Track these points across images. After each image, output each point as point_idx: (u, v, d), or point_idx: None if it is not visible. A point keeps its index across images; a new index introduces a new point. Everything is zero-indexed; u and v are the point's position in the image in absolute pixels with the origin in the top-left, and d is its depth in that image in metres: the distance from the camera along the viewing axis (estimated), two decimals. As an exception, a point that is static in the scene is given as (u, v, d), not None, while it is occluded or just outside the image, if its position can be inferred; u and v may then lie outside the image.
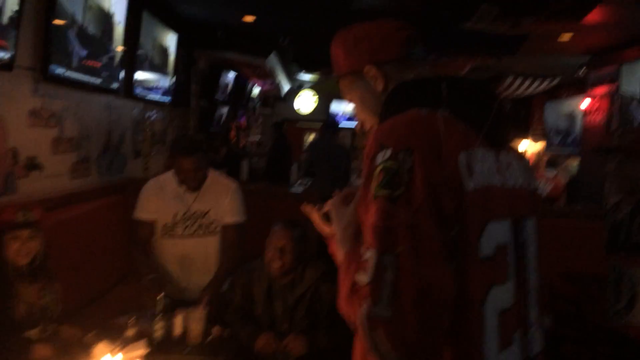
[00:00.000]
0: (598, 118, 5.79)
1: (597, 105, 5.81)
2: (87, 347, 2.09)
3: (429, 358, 0.90)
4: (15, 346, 2.03)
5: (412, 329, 0.87)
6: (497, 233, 1.02)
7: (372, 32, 1.21)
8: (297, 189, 6.06)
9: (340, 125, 6.92)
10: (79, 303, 2.95)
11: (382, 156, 0.97)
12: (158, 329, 2.26)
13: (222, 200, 2.82)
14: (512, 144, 1.17)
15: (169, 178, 2.82)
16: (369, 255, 0.93)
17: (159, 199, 2.76)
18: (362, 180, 1.01)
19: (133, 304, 2.98)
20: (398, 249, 0.90)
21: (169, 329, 2.30)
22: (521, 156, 1.19)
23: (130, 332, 2.22)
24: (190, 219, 2.76)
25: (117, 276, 3.69)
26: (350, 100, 1.28)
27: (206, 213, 2.79)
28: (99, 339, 2.18)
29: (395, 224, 0.92)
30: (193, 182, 2.73)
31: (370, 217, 0.95)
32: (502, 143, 1.12)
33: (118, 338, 2.20)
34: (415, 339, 0.88)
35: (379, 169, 0.96)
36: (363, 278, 0.93)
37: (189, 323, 2.31)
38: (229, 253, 2.81)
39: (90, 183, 3.67)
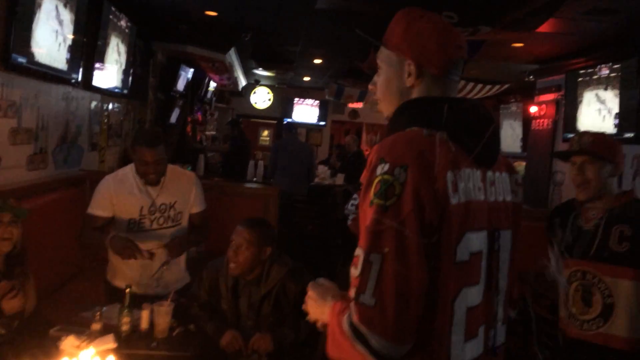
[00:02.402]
0: (545, 123, 6.07)
1: (544, 111, 6.10)
2: (54, 341, 2.08)
3: (405, 340, 1.07)
4: None
5: (391, 315, 1.05)
6: (472, 242, 1.18)
7: (433, 34, 1.25)
8: (253, 184, 6.10)
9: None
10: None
11: (381, 169, 1.12)
12: (124, 323, 2.26)
13: (187, 191, 2.85)
14: (502, 161, 1.31)
15: (127, 173, 2.79)
16: (359, 252, 1.11)
17: (120, 196, 2.72)
18: (363, 187, 1.15)
19: (89, 298, 2.97)
20: (384, 249, 1.07)
21: (135, 324, 2.31)
22: (510, 173, 1.33)
23: (96, 327, 2.21)
24: (157, 212, 2.75)
25: (72, 270, 3.64)
26: (379, 66, 1.34)
27: (172, 204, 2.79)
28: (64, 333, 2.17)
29: (384, 229, 1.08)
30: (154, 175, 2.70)
31: (366, 221, 1.11)
32: (489, 163, 1.26)
33: (83, 332, 2.19)
34: (393, 324, 1.05)
35: (377, 179, 1.11)
36: (354, 272, 1.11)
37: (155, 317, 2.32)
38: (197, 233, 2.95)
39: (47, 175, 3.59)
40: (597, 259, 2.14)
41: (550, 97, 6.02)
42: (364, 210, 1.14)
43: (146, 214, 2.73)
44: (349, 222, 3.18)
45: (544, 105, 6.12)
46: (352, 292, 1.10)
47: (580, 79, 5.15)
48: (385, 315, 1.05)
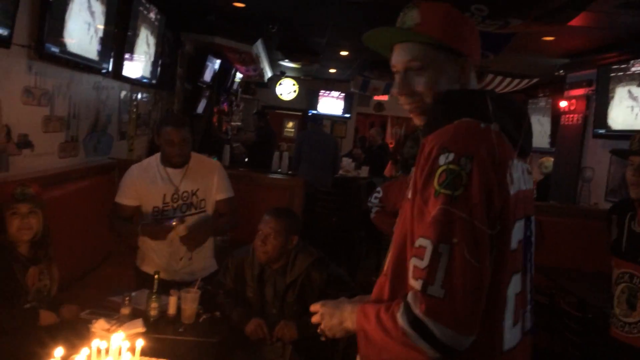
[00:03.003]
0: (574, 118, 5.96)
1: (573, 106, 5.99)
2: (85, 324, 2.14)
3: (473, 332, 1.07)
4: (21, 313, 2.07)
5: (461, 307, 1.05)
6: (519, 230, 1.21)
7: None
8: (278, 175, 6.13)
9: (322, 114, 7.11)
10: (65, 281, 2.98)
11: (445, 159, 1.12)
12: (153, 308, 2.30)
13: (210, 178, 2.87)
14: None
15: (152, 162, 2.84)
16: (425, 243, 1.09)
17: (143, 185, 2.77)
18: (422, 176, 1.14)
19: (118, 283, 3.03)
20: (454, 240, 1.07)
21: (163, 309, 2.35)
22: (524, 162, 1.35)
23: (125, 311, 2.26)
24: (180, 199, 2.79)
25: (102, 255, 3.71)
26: (420, 67, 1.27)
27: (195, 192, 2.83)
28: (94, 316, 2.23)
29: (453, 219, 1.08)
30: (179, 157, 2.75)
31: (432, 211, 1.11)
32: (527, 154, 1.29)
33: (113, 316, 2.24)
34: (464, 316, 1.05)
35: (441, 169, 1.11)
36: (419, 263, 1.09)
37: (182, 303, 2.36)
38: (225, 217, 2.93)
39: (78, 163, 3.67)
40: None
41: (580, 92, 5.91)
42: (426, 199, 1.12)
43: (169, 201, 2.77)
44: (372, 216, 3.18)
45: (574, 100, 6.01)
46: (415, 284, 1.09)
47: (612, 74, 5.04)
48: (455, 307, 1.05)
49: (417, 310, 1.07)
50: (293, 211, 2.75)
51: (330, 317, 1.33)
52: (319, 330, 1.37)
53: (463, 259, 1.06)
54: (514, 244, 1.18)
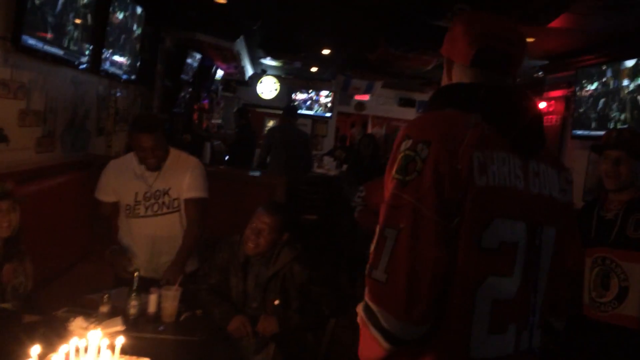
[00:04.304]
0: (553, 120, 6.04)
1: (552, 107, 6.06)
2: (62, 322, 2.09)
3: (416, 321, 1.04)
4: (3, 313, 2.02)
5: (401, 292, 1.03)
6: (503, 230, 1.13)
7: (461, 25, 1.29)
8: (259, 173, 6.07)
9: (299, 112, 6.86)
10: (42, 279, 2.91)
11: (405, 145, 1.11)
12: (132, 306, 2.26)
13: (183, 176, 2.78)
14: (548, 155, 1.27)
15: (130, 159, 2.81)
16: (377, 228, 1.10)
17: (119, 181, 2.75)
18: (389, 163, 1.15)
19: (96, 281, 2.98)
20: (400, 225, 1.05)
21: (143, 307, 2.31)
22: (559, 170, 1.28)
23: (104, 309, 2.22)
24: (152, 198, 2.75)
25: (80, 252, 3.64)
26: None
27: (167, 191, 2.77)
28: (72, 314, 2.18)
29: (402, 204, 1.07)
30: (152, 161, 2.70)
31: (385, 196, 1.11)
32: (531, 152, 1.21)
33: (91, 314, 2.20)
34: (403, 302, 1.03)
35: (400, 155, 1.11)
36: (371, 247, 1.09)
37: (163, 302, 2.32)
38: (189, 230, 2.78)
39: (55, 158, 3.58)
40: (615, 246, 2.26)
41: (559, 93, 5.99)
42: (387, 187, 1.13)
43: (141, 200, 2.73)
44: (356, 214, 3.18)
45: (553, 102, 6.09)
46: (366, 269, 1.09)
47: (591, 76, 5.12)
48: (396, 292, 1.03)
49: (366, 296, 1.08)
50: (287, 207, 2.75)
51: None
52: None
53: (407, 245, 1.04)
54: (490, 242, 1.11)
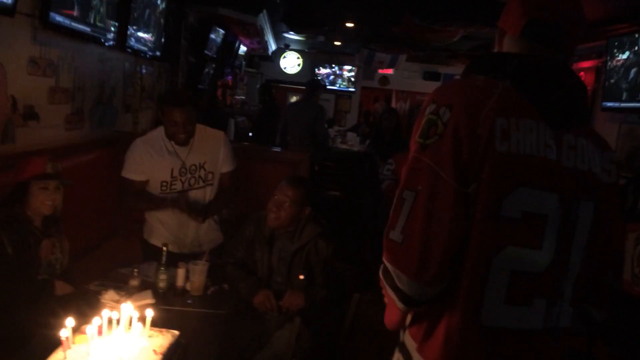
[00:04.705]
0: (582, 92, 5.89)
1: (582, 79, 5.91)
2: (94, 295, 2.15)
3: (429, 281, 1.06)
4: (37, 283, 2.08)
5: (415, 253, 1.05)
6: (529, 200, 1.10)
7: (511, 3, 1.27)
8: (281, 149, 6.07)
9: (323, 87, 6.67)
10: (73, 254, 2.98)
11: (429, 109, 1.12)
12: (161, 280, 2.32)
13: (217, 151, 2.87)
14: (592, 133, 1.23)
15: (157, 135, 2.81)
16: (398, 190, 1.12)
17: (150, 159, 2.75)
18: (414, 128, 1.16)
19: (126, 256, 3.05)
20: (418, 187, 1.07)
21: (171, 281, 2.37)
22: (602, 149, 1.23)
23: (134, 283, 2.28)
24: (187, 173, 2.78)
25: (109, 229, 3.72)
26: None
27: (203, 165, 2.82)
28: (103, 287, 2.24)
29: (421, 167, 1.08)
30: (182, 135, 2.72)
31: (408, 159, 1.13)
32: (566, 124, 1.18)
33: (122, 288, 2.26)
34: (417, 262, 1.05)
35: (424, 119, 1.12)
36: (391, 209, 1.12)
37: (190, 276, 2.37)
38: (223, 194, 2.93)
39: (83, 135, 3.65)
40: None
41: (589, 64, 5.82)
42: (410, 151, 1.15)
43: (177, 175, 2.76)
44: (383, 187, 3.15)
45: (582, 73, 5.93)
46: (385, 230, 1.12)
47: (623, 45, 4.96)
48: (410, 253, 1.05)
49: (383, 257, 1.10)
50: (309, 181, 2.77)
51: None
52: None
53: (424, 207, 1.06)
54: (512, 211, 1.09)
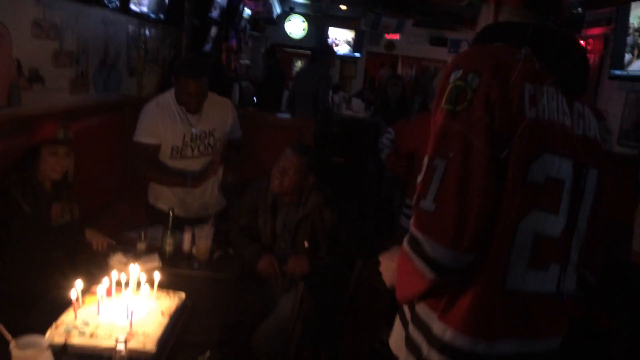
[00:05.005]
0: (591, 59, 5.83)
1: (590, 46, 5.83)
2: (103, 257, 2.19)
3: (463, 248, 1.05)
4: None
5: (450, 221, 1.04)
6: (551, 165, 1.13)
7: None
8: (286, 115, 6.06)
9: (328, 53, 6.50)
10: (80, 218, 3.02)
11: (454, 76, 1.10)
12: (168, 244, 2.35)
13: (225, 119, 2.91)
14: (588, 101, 1.26)
15: (168, 100, 2.80)
16: (425, 159, 1.10)
17: (163, 123, 2.74)
18: (437, 95, 1.14)
19: (132, 220, 3.08)
20: (450, 154, 1.05)
21: (178, 245, 2.40)
22: (598, 118, 1.26)
23: (141, 246, 2.32)
24: (197, 139, 2.80)
25: (115, 192, 3.75)
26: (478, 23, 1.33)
27: (212, 132, 2.84)
28: (111, 250, 2.28)
29: (451, 134, 1.07)
30: (195, 105, 2.73)
31: (434, 126, 1.11)
32: (576, 92, 1.21)
33: (129, 251, 2.29)
34: (452, 229, 1.04)
35: (450, 86, 1.10)
36: (419, 178, 1.10)
37: (197, 240, 2.40)
38: (233, 152, 2.94)
39: (89, 99, 3.64)
40: None
41: (598, 31, 5.74)
42: (435, 116, 1.13)
43: (188, 141, 2.78)
44: (383, 157, 3.13)
45: (591, 40, 5.85)
46: (414, 199, 1.09)
47: (633, 12, 4.87)
48: (444, 220, 1.04)
49: (412, 226, 1.09)
50: (314, 150, 2.78)
51: (386, 268, 1.33)
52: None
53: (457, 174, 1.05)
54: (537, 176, 1.11)
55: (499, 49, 1.16)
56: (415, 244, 1.09)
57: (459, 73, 1.10)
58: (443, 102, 1.10)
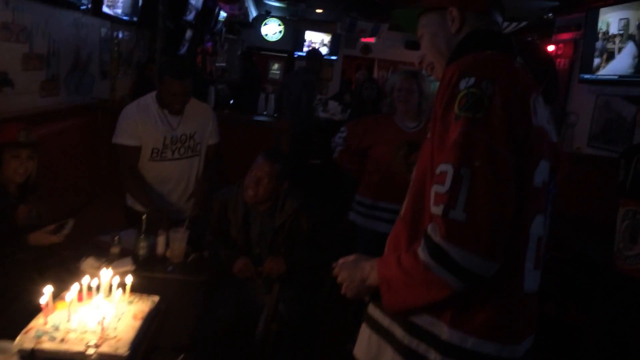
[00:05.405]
0: (561, 63, 5.95)
1: (561, 50, 5.95)
2: (74, 262, 2.16)
3: (497, 257, 1.06)
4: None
5: (484, 230, 1.04)
6: (544, 170, 1.19)
7: None
8: (264, 118, 6.07)
9: (312, 58, 6.53)
10: (49, 222, 2.97)
11: (466, 83, 1.10)
12: (142, 247, 2.33)
13: (206, 123, 2.92)
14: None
15: (149, 102, 2.79)
16: (446, 168, 1.08)
17: (144, 124, 2.74)
18: (442, 103, 1.13)
19: (104, 224, 3.04)
20: (475, 163, 1.05)
21: (151, 249, 2.38)
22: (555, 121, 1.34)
23: (114, 250, 2.29)
24: (178, 142, 2.82)
25: (87, 196, 3.71)
26: (421, 35, 1.35)
27: (192, 135, 2.85)
28: (83, 255, 2.25)
29: (474, 142, 1.06)
30: (178, 106, 2.75)
31: (452, 135, 1.09)
32: (551, 100, 1.26)
33: (102, 255, 2.27)
34: (487, 239, 1.04)
35: (462, 94, 1.10)
36: (440, 188, 1.08)
37: (171, 243, 2.39)
38: (209, 169, 2.97)
39: (60, 102, 3.60)
40: None
41: (568, 35, 5.86)
42: (447, 125, 1.11)
43: (168, 144, 2.79)
44: (335, 155, 3.15)
45: (561, 45, 5.97)
46: (436, 210, 1.07)
47: (601, 18, 4.99)
48: (479, 230, 1.03)
49: (438, 238, 1.06)
50: (286, 156, 2.77)
51: (351, 278, 1.30)
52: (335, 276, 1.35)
53: (486, 182, 1.04)
54: (538, 182, 1.15)
55: (501, 56, 1.17)
56: (440, 254, 1.06)
57: (472, 80, 1.09)
58: (456, 109, 1.09)
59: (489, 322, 1.14)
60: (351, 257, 1.34)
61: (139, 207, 2.82)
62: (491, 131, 1.06)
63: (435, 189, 1.09)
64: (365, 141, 2.95)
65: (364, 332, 1.35)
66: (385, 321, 1.27)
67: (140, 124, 2.73)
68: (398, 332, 1.23)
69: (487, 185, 1.04)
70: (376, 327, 1.30)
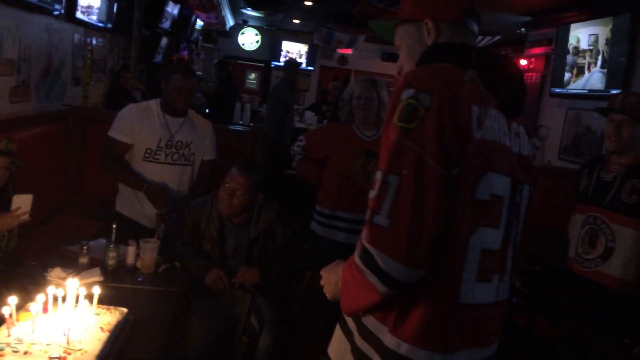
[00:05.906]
0: (533, 77, 6.06)
1: (533, 64, 6.07)
2: (40, 272, 2.11)
3: (417, 264, 1.08)
4: None
5: (403, 236, 1.06)
6: (495, 183, 1.19)
7: None
8: (240, 127, 6.06)
9: (289, 66, 6.54)
10: (19, 230, 2.90)
11: (406, 94, 1.13)
12: (111, 257, 2.28)
13: (204, 137, 2.98)
14: (522, 120, 1.33)
15: (152, 105, 2.88)
16: (379, 175, 1.12)
17: (142, 124, 2.81)
18: (388, 112, 1.17)
19: (74, 233, 2.99)
20: (403, 171, 1.08)
21: (121, 259, 2.34)
22: (529, 135, 1.35)
23: (83, 260, 2.24)
24: (173, 147, 2.84)
25: (57, 205, 3.63)
26: (399, 46, 1.37)
27: (189, 144, 2.88)
28: (49, 265, 2.20)
29: (405, 151, 1.09)
30: (182, 104, 2.81)
31: (387, 143, 1.13)
32: (514, 114, 1.28)
33: (69, 265, 2.22)
34: (405, 245, 1.06)
35: (402, 104, 1.13)
36: (372, 194, 1.12)
37: (141, 253, 2.35)
38: (199, 183, 3.00)
39: (30, 109, 3.52)
40: (609, 208, 2.32)
41: (540, 50, 5.99)
42: (388, 133, 1.15)
43: (163, 146, 2.81)
44: (294, 164, 3.15)
45: (533, 59, 6.09)
46: (367, 214, 1.11)
47: (572, 33, 5.12)
48: (398, 236, 1.06)
49: (365, 240, 1.10)
50: (261, 167, 2.77)
51: (328, 280, 1.34)
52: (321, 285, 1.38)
53: (410, 191, 1.07)
54: (483, 194, 1.16)
55: (449, 69, 1.19)
56: (368, 257, 1.10)
57: (411, 92, 1.12)
58: (395, 119, 1.12)
59: (420, 329, 1.16)
60: (334, 262, 1.37)
61: (127, 212, 2.82)
62: (423, 142, 1.09)
63: (370, 194, 1.14)
64: (323, 150, 2.96)
65: (337, 331, 1.38)
66: (350, 322, 1.31)
67: (137, 121, 2.80)
68: (355, 334, 1.28)
69: (411, 194, 1.07)
70: (345, 328, 1.33)
